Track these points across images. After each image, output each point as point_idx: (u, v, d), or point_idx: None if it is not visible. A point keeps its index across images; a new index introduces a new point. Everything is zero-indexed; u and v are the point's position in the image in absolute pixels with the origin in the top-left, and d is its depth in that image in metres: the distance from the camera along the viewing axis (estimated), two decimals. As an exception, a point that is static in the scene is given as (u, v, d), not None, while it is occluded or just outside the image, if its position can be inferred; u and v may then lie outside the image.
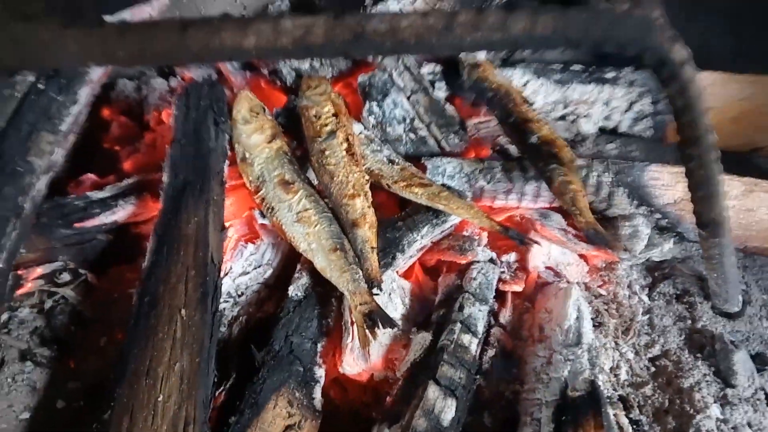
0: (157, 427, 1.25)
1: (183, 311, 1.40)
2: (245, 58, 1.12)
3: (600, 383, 1.51)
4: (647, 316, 1.83)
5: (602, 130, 2.16)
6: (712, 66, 2.18)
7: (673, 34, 1.18)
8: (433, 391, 1.40)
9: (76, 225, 1.75)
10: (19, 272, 1.70)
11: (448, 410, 1.38)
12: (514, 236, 1.65)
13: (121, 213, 1.80)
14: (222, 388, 1.47)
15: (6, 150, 1.56)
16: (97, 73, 1.76)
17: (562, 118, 2.11)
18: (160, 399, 1.28)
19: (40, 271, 1.75)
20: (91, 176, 1.96)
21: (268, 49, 1.05)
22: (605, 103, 2.09)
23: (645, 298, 1.86)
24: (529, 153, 1.77)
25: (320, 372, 1.51)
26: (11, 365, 1.65)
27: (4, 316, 1.72)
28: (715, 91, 2.17)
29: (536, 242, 1.70)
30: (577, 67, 2.12)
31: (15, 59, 1.08)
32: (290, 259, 1.74)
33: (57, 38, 1.07)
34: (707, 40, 2.37)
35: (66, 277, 1.79)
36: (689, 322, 1.83)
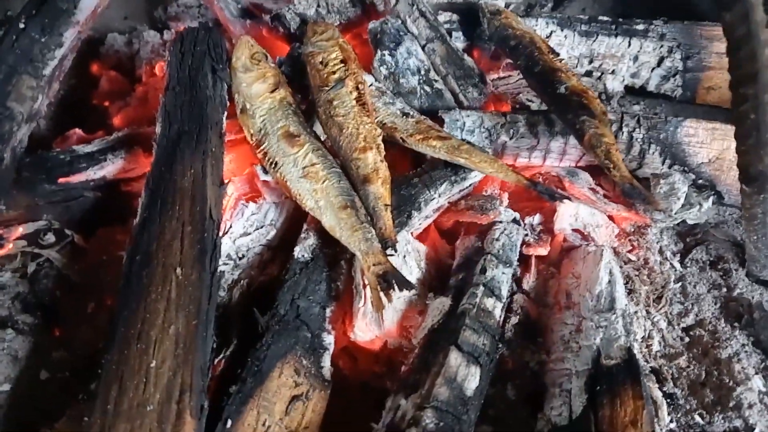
0: (150, 396, 1.14)
1: (178, 270, 1.29)
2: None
3: (635, 351, 1.39)
4: (680, 283, 1.72)
5: (628, 90, 2.05)
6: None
7: (737, -52, 1.05)
8: (455, 358, 1.27)
9: (61, 180, 1.65)
10: None
11: (471, 378, 1.27)
12: (543, 191, 1.53)
13: (110, 168, 1.69)
14: (222, 355, 1.36)
15: (-19, 94, 1.44)
16: (84, 14, 1.64)
17: (588, 74, 2.01)
18: (152, 365, 1.17)
19: (22, 230, 1.65)
20: (77, 131, 1.86)
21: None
22: (633, 58, 1.98)
23: (677, 265, 1.75)
24: (557, 105, 1.65)
25: (329, 339, 1.41)
26: None
27: (-17, 281, 1.61)
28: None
29: (567, 197, 1.57)
30: (604, 18, 1.99)
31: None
32: (295, 219, 1.63)
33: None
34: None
35: (51, 238, 1.68)
36: (724, 290, 1.72)
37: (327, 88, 1.59)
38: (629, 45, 1.97)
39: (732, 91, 1.27)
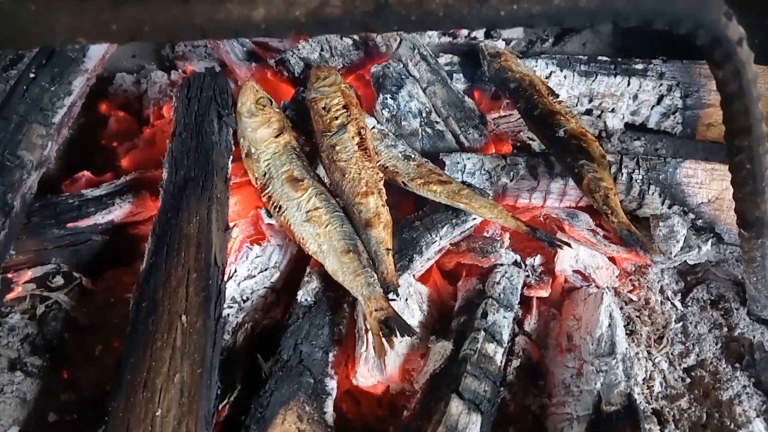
0: None
1: (184, 317, 1.31)
2: (254, 33, 1.01)
3: (636, 396, 1.40)
4: (681, 323, 1.73)
5: (628, 126, 2.07)
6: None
7: (728, 10, 1.07)
8: (456, 406, 1.29)
9: (70, 225, 1.68)
10: (9, 275, 1.63)
11: (473, 426, 1.28)
12: (542, 237, 1.55)
13: (118, 212, 1.72)
14: (226, 401, 1.38)
15: (-7, 144, 1.48)
16: (92, 62, 1.68)
17: (588, 112, 2.03)
18: (158, 414, 1.19)
19: (31, 274, 1.67)
20: (86, 174, 1.89)
21: (279, 23, 0.95)
22: (633, 97, 2.01)
23: (678, 305, 1.76)
24: (556, 148, 1.68)
25: (332, 384, 1.42)
26: (0, 375, 1.55)
27: (-7, 323, 1.63)
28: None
29: (567, 244, 1.59)
30: (603, 58, 2.01)
31: (1, 35, 0.98)
32: (299, 262, 1.66)
33: (45, 10, 0.97)
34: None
35: (59, 280, 1.71)
36: (725, 329, 1.73)
37: (330, 134, 1.63)
38: (629, 84, 2.00)
39: (727, 142, 1.28)
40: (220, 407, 1.33)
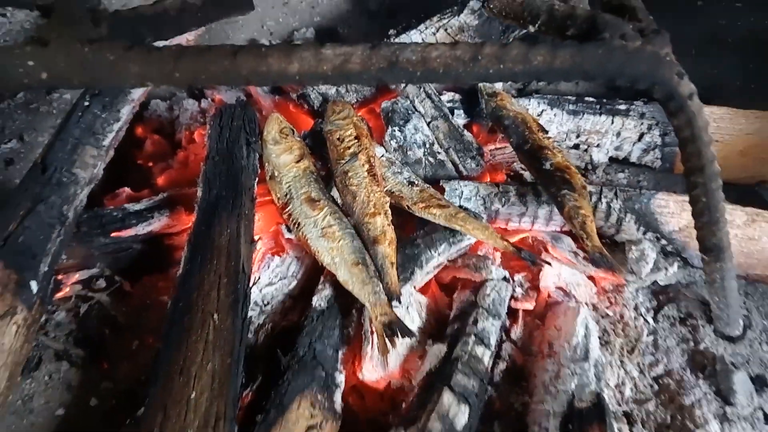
0: (190, 422, 1.31)
1: (215, 316, 1.48)
2: (289, 82, 1.22)
3: (605, 397, 1.59)
4: (652, 337, 1.90)
5: (613, 160, 2.26)
6: (722, 100, 2.29)
7: (680, 70, 1.29)
8: (447, 397, 1.48)
9: (114, 234, 1.84)
10: (59, 277, 1.79)
11: (461, 415, 1.46)
12: (526, 257, 1.74)
13: (157, 224, 1.89)
14: (249, 389, 1.55)
15: (53, 162, 1.66)
16: (138, 93, 1.88)
17: (575, 146, 2.21)
18: (192, 396, 1.35)
19: (78, 276, 1.83)
20: (126, 190, 2.06)
21: (310, 75, 1.16)
22: (616, 134, 2.19)
23: (650, 320, 1.93)
24: (543, 179, 1.85)
25: (341, 378, 1.58)
26: (48, 364, 1.73)
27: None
28: (724, 125, 2.27)
29: (547, 263, 1.80)
30: (590, 98, 2.22)
31: (84, 79, 1.19)
32: (313, 272, 1.82)
33: (120, 59, 1.18)
34: (718, 75, 2.50)
35: (102, 283, 1.87)
36: (692, 344, 1.89)
37: (343, 161, 1.81)
38: (612, 122, 2.19)
39: (685, 179, 1.48)
40: (243, 394, 1.50)
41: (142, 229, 1.87)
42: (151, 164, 2.27)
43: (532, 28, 1.47)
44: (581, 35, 1.34)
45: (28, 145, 2.30)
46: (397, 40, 2.26)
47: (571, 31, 1.37)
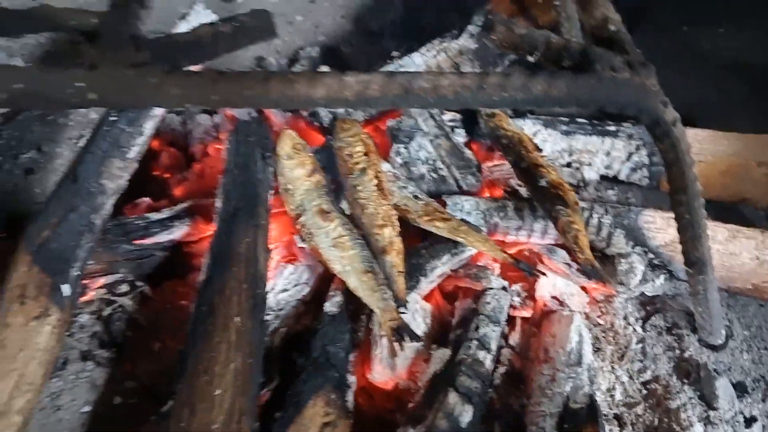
0: (215, 417, 1.40)
1: (237, 318, 1.57)
2: (314, 107, 1.34)
3: (597, 399, 1.71)
4: (640, 345, 2.01)
5: (603, 177, 2.37)
6: (705, 123, 2.43)
7: (664, 99, 1.42)
8: (452, 397, 1.59)
9: (137, 242, 1.93)
10: (85, 282, 1.85)
11: (465, 414, 1.58)
12: (523, 268, 1.85)
13: (178, 233, 1.98)
14: (266, 388, 1.64)
15: (83, 173, 1.76)
16: (161, 110, 1.98)
17: (568, 165, 2.31)
18: (217, 393, 1.43)
19: (102, 281, 1.91)
20: (147, 200, 2.15)
21: (334, 99, 1.28)
22: (606, 153, 2.30)
23: (639, 329, 2.05)
24: (538, 195, 1.95)
25: (352, 379, 1.68)
26: (74, 364, 1.81)
27: (66, 321, 1.91)
28: (707, 146, 2.39)
29: (543, 273, 1.92)
30: (582, 120, 2.34)
31: (128, 100, 1.30)
32: (325, 280, 1.89)
33: (162, 83, 1.29)
34: (702, 98, 2.65)
35: (125, 288, 1.95)
36: (678, 351, 2.01)
37: (352, 176, 1.90)
38: (602, 142, 2.28)
39: (670, 197, 1.61)
40: (261, 393, 1.60)
41: (163, 237, 1.96)
42: (167, 176, 2.37)
43: (531, 59, 1.60)
44: (575, 66, 1.46)
45: (46, 155, 2.39)
46: (400, 62, 2.39)
47: (565, 63, 1.49)
